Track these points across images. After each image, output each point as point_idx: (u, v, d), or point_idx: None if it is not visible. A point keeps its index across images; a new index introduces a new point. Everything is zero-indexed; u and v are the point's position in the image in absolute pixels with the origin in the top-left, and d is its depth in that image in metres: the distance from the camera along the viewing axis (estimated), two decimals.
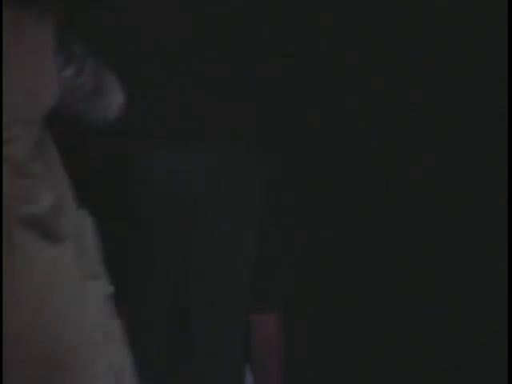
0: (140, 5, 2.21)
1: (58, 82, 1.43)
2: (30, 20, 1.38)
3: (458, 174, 2.42)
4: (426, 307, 2.39)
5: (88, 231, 1.54)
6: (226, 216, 2.05)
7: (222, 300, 2.06)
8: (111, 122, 1.61)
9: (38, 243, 1.40)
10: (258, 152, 2.12)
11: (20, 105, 1.37)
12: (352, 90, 2.44)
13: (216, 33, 2.20)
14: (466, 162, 2.43)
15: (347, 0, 2.41)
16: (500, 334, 2.28)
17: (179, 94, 2.03)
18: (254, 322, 2.15)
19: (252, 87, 2.25)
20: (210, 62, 2.11)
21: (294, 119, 2.41)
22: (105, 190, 2.02)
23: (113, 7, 2.18)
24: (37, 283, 1.39)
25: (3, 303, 1.36)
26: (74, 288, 1.44)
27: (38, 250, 1.40)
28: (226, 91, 2.14)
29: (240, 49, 2.24)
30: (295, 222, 2.33)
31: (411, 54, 2.42)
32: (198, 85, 2.06)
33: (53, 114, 1.46)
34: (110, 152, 2.01)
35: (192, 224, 2.03)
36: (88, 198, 1.61)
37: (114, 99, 1.59)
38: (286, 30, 2.38)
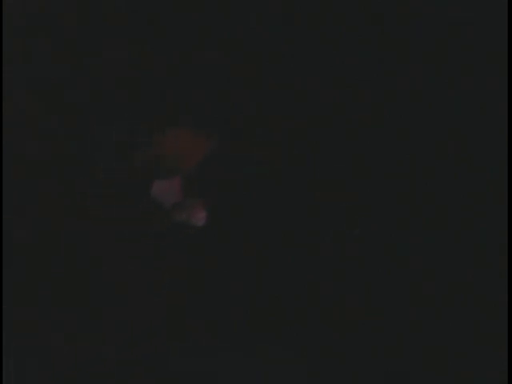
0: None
1: None
2: None
3: (457, 174, 2.42)
4: (425, 307, 2.39)
5: None
6: None
7: None
8: None
9: None
10: None
11: None
12: (352, 89, 2.44)
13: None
14: (465, 162, 2.43)
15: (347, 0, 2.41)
16: (500, 334, 2.28)
17: None
18: None
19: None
20: None
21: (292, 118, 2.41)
22: None
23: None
24: None
25: None
26: None
27: None
28: None
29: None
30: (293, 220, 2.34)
31: (411, 54, 2.42)
32: None
33: None
34: None
35: None
36: None
37: None
38: (286, 29, 2.39)
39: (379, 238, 2.41)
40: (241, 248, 2.36)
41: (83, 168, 2.36)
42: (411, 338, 2.38)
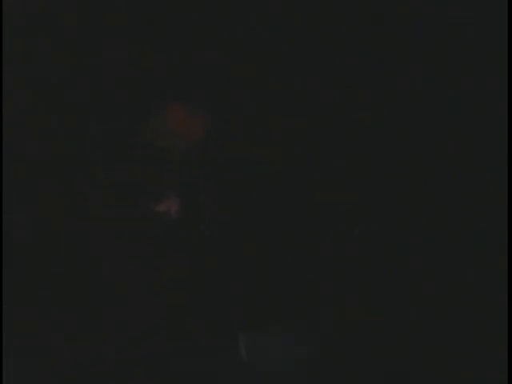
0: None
1: None
2: None
3: (457, 174, 2.42)
4: (425, 307, 2.39)
5: None
6: None
7: None
8: None
9: None
10: None
11: None
12: (352, 89, 2.44)
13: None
14: (465, 162, 2.43)
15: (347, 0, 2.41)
16: (500, 334, 2.28)
17: None
18: None
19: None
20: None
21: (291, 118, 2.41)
22: None
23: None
24: None
25: None
26: None
27: None
28: None
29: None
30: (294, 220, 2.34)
31: (411, 54, 2.42)
32: None
33: None
34: None
35: None
36: None
37: None
38: (285, 29, 2.39)
39: (379, 238, 2.41)
40: (241, 248, 2.36)
41: (83, 168, 2.36)
42: (411, 338, 2.38)
